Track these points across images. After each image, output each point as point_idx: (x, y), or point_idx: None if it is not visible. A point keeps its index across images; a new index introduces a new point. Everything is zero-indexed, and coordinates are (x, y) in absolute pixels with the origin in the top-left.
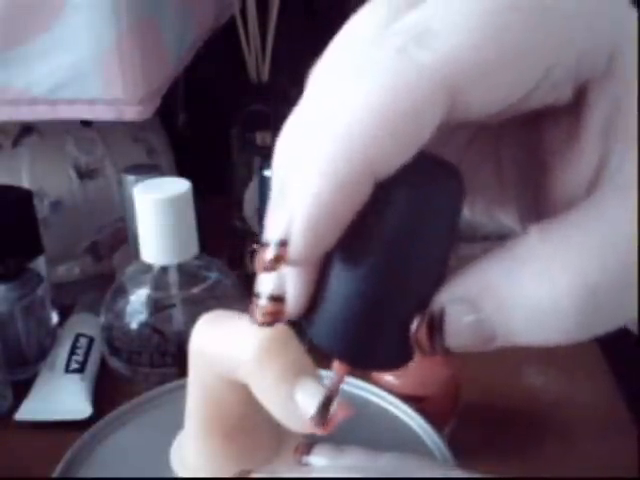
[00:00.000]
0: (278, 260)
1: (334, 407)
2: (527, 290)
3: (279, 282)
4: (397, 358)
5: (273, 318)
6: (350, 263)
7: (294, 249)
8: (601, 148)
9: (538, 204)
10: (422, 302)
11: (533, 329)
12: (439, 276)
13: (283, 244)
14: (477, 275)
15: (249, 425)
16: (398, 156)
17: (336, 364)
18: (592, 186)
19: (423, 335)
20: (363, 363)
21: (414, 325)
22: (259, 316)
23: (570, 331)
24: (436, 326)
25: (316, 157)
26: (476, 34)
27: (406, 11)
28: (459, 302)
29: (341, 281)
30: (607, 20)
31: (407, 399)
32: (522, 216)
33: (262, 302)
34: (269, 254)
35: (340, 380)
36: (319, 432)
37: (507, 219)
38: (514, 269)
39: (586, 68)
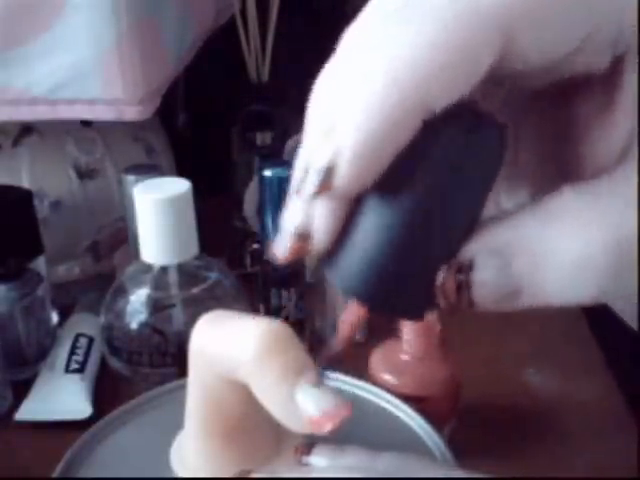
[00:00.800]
0: (322, 188)
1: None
2: (561, 244)
3: (305, 219)
4: (419, 307)
5: (297, 254)
6: (384, 204)
7: (341, 179)
8: (633, 119)
9: (560, 177)
10: (451, 251)
11: (564, 284)
12: (470, 226)
13: (328, 173)
14: (509, 227)
15: (249, 425)
16: (450, 92)
17: (353, 307)
18: (623, 154)
19: (451, 285)
20: (385, 307)
21: (442, 274)
22: (283, 251)
23: (600, 286)
24: (464, 276)
25: (368, 90)
26: None
27: None
28: (489, 253)
29: (372, 222)
30: None
31: (407, 399)
32: (535, 194)
33: (287, 238)
34: (312, 181)
35: (355, 323)
36: (319, 433)
37: (510, 201)
38: (548, 224)
39: (626, 37)
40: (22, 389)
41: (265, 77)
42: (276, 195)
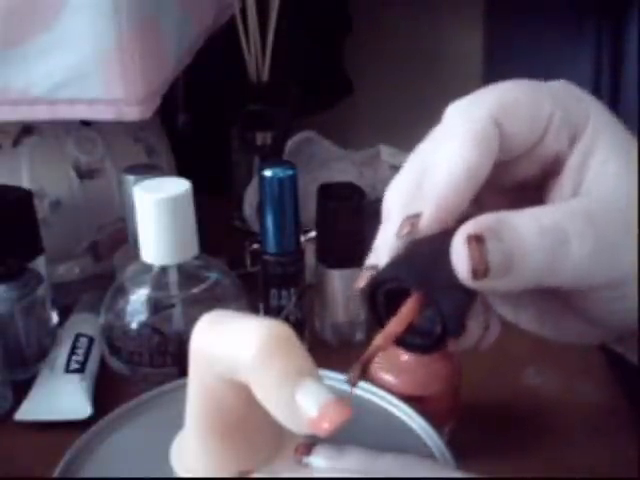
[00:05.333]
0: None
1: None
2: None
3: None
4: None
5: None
6: None
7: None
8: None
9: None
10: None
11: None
12: None
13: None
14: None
15: (249, 425)
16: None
17: (409, 304)
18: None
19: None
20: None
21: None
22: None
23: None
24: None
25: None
26: None
27: None
28: None
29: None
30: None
31: (407, 399)
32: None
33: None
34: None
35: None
36: (319, 433)
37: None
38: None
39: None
40: (22, 389)
41: (265, 77)
42: (276, 195)
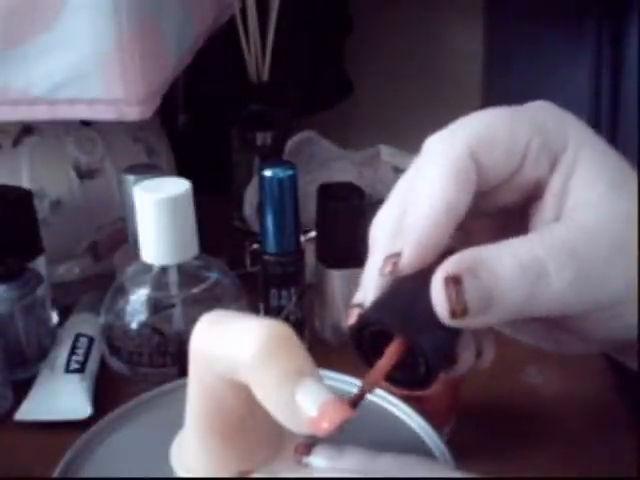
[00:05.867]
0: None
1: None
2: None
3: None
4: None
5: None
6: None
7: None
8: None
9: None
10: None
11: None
12: None
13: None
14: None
15: (249, 425)
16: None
17: (392, 348)
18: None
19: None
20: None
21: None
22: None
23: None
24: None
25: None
26: None
27: None
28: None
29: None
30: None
31: (407, 399)
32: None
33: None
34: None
35: (392, 359)
36: (319, 433)
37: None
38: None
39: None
40: (22, 389)
41: (265, 77)
42: (276, 195)
